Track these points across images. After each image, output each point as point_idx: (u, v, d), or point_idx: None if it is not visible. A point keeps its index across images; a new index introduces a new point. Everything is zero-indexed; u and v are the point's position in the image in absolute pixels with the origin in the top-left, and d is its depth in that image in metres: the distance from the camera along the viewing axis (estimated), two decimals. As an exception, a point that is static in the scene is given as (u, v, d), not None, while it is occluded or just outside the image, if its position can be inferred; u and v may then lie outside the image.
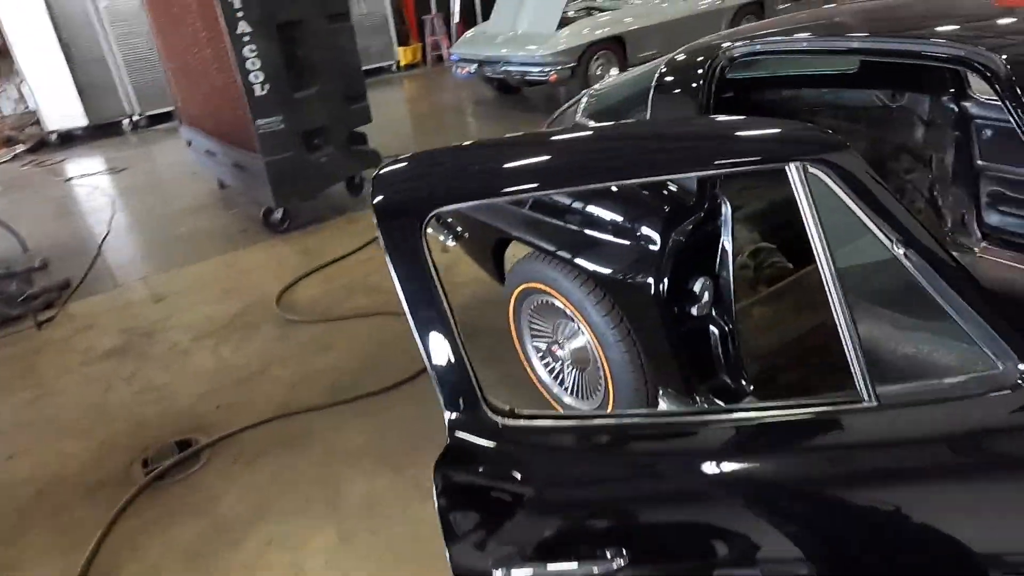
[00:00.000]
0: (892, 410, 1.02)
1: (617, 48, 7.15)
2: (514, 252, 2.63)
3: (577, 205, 2.15)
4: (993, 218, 2.58)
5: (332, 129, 4.90)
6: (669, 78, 2.06)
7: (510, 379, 2.74)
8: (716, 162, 1.15)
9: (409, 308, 1.11)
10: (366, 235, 4.65)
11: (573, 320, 2.34)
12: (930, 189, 2.71)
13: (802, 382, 2.15)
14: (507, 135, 1.45)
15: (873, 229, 1.05)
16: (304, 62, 4.63)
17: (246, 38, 4.24)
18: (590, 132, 1.40)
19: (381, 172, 1.18)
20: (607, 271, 2.03)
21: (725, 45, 1.91)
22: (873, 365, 1.03)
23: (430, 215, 1.11)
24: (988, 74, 1.37)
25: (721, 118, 1.42)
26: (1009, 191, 2.53)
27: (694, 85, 1.92)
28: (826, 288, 1.04)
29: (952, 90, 2.57)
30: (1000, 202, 2.55)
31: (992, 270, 2.60)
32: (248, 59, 4.29)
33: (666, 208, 1.89)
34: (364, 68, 5.68)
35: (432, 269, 1.11)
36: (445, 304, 1.10)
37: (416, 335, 1.11)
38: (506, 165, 1.20)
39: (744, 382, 1.97)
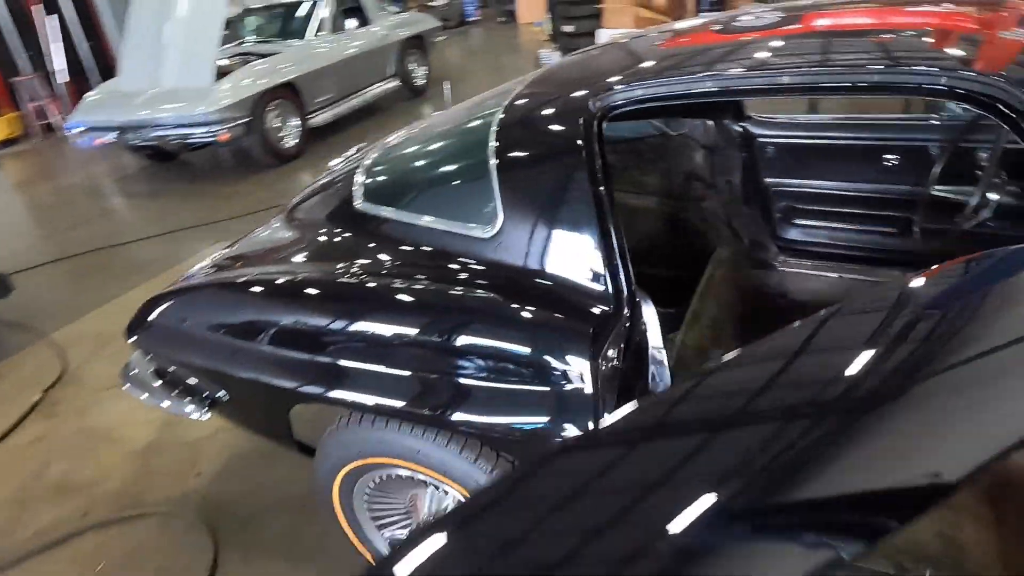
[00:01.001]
0: None
1: (291, 95, 6.34)
2: (307, 411, 1.80)
3: (434, 340, 1.47)
4: (788, 232, 2.59)
5: (-85, 259, 3.25)
6: (520, 145, 1.50)
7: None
8: None
9: None
10: (24, 397, 3.17)
11: (441, 487, 1.65)
12: (725, 212, 2.63)
13: None
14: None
15: None
16: None
17: None
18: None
19: None
20: (515, 429, 1.40)
21: (598, 95, 1.42)
22: None
23: None
24: (1006, 110, 1.10)
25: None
26: (797, 204, 2.55)
27: (570, 151, 1.40)
28: None
29: (729, 112, 2.50)
30: (791, 215, 2.56)
31: (794, 281, 2.61)
32: None
33: (589, 328, 1.32)
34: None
35: None
36: None
37: None
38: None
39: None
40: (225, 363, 1.78)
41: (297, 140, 6.45)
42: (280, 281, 1.76)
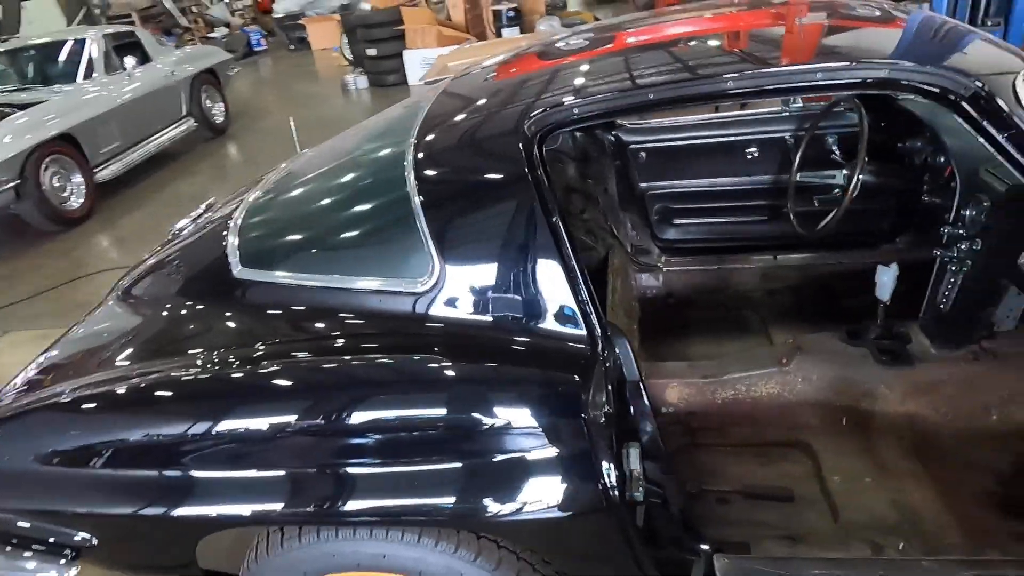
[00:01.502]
0: None
1: (69, 149, 5.45)
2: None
3: (381, 422, 1.22)
4: (666, 232, 2.64)
5: None
6: (449, 179, 1.31)
7: None
8: None
9: None
10: None
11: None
12: (606, 221, 2.62)
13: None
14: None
15: None
16: None
17: None
18: None
19: None
20: (505, 507, 1.20)
21: (531, 116, 1.27)
22: None
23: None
24: (953, 98, 1.12)
25: None
26: (671, 204, 2.60)
27: (514, 179, 1.23)
28: None
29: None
30: (668, 216, 2.61)
31: (679, 279, 2.66)
32: None
33: (573, 376, 1.17)
34: None
35: None
36: None
37: None
38: None
39: (704, 545, 1.44)
40: (92, 502, 1.38)
41: (84, 199, 5.57)
42: (144, 385, 1.39)
